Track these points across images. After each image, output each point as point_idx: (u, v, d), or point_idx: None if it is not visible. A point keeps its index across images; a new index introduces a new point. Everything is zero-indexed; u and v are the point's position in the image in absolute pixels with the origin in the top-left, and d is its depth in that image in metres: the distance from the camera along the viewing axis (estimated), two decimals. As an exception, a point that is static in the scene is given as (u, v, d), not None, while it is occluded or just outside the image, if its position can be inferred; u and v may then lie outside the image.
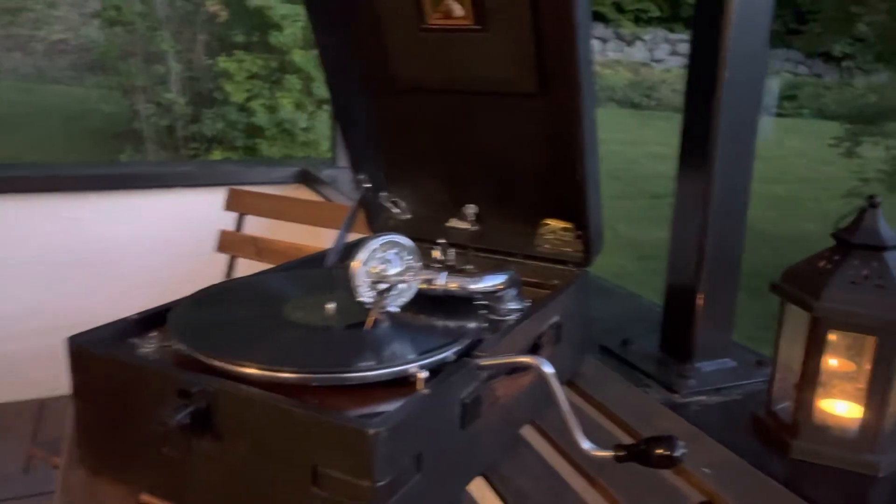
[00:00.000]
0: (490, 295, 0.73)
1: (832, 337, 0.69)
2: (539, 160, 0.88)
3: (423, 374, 0.58)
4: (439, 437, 0.57)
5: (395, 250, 0.65)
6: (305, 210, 1.47)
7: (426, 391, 0.55)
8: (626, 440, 0.76)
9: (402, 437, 0.52)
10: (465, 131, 0.92)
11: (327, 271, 0.83)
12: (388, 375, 0.58)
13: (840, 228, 0.72)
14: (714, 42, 0.82)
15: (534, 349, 0.73)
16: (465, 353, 0.62)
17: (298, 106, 5.62)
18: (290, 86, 5.51)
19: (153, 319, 0.68)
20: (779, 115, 10.88)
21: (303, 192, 2.62)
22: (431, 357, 0.60)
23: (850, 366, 0.71)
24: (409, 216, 1.01)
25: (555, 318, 0.77)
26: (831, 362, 0.71)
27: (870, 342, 0.68)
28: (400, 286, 0.66)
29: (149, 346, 0.65)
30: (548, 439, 0.74)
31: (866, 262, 0.69)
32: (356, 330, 0.64)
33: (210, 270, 2.31)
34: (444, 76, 0.88)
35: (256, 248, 1.49)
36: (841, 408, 0.72)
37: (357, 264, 0.63)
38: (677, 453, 0.57)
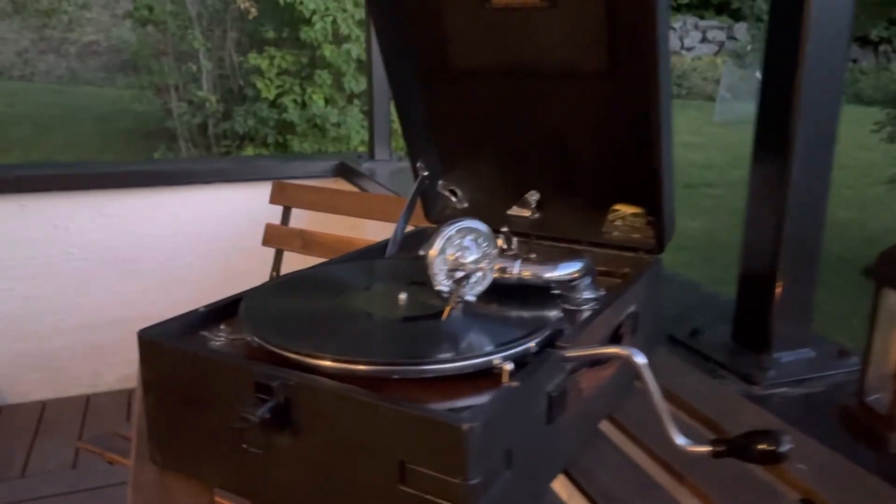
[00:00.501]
0: (565, 284, 0.69)
1: (936, 323, 0.65)
2: (607, 143, 0.84)
3: (509, 366, 0.55)
4: (526, 433, 0.55)
5: (471, 237, 0.63)
6: (353, 202, 1.45)
7: (515, 384, 0.52)
8: (709, 436, 0.72)
9: (494, 432, 0.49)
10: (527, 115, 0.89)
11: (394, 261, 0.81)
12: (471, 367, 0.55)
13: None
14: (796, 17, 0.78)
15: (613, 340, 0.69)
16: (547, 345, 0.59)
17: (329, 101, 5.62)
18: (321, 81, 5.51)
19: (222, 312, 0.66)
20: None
21: (341, 185, 2.60)
22: (515, 348, 0.57)
23: (954, 354, 0.67)
24: (466, 205, 0.98)
25: (632, 308, 0.73)
26: (934, 350, 0.66)
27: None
28: (476, 274, 0.63)
29: (219, 338, 0.63)
30: (627, 434, 0.71)
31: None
32: (433, 321, 0.61)
33: (254, 265, 2.32)
34: (506, 57, 0.84)
35: (303, 241, 1.48)
36: (944, 399, 0.68)
37: (434, 252, 0.60)
38: (783, 449, 0.53)
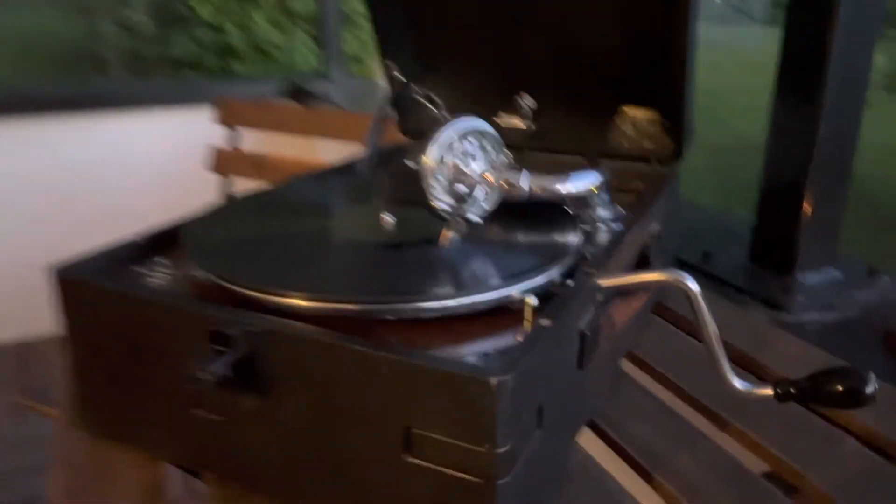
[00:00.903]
0: (580, 200, 0.58)
1: None
2: (616, 32, 0.71)
3: (533, 301, 0.43)
4: (558, 381, 0.44)
5: (475, 141, 0.50)
6: (309, 120, 1.29)
7: (547, 322, 0.41)
8: (747, 373, 0.63)
9: (527, 385, 0.38)
10: (519, 6, 0.75)
11: (371, 179, 0.68)
12: (486, 304, 0.43)
13: None
14: None
15: (641, 264, 0.59)
16: (570, 275, 0.48)
17: (273, 23, 5.29)
18: (263, 1, 5.16)
19: (160, 241, 0.53)
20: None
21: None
22: (537, 278, 0.45)
23: None
24: (447, 113, 0.85)
25: (655, 227, 0.62)
26: None
27: None
28: (482, 188, 0.51)
29: (158, 273, 0.49)
30: (654, 374, 0.61)
31: None
32: (430, 247, 0.49)
33: (200, 195, 2.13)
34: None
35: (255, 165, 1.32)
36: None
37: (430, 160, 0.48)
38: (869, 389, 0.44)
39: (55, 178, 2.34)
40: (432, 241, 0.49)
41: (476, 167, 0.50)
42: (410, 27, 0.81)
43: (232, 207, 0.56)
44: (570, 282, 0.46)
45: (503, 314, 0.44)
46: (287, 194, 0.62)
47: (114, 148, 2.35)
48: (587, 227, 0.60)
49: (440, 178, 0.48)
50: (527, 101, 0.80)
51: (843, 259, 0.81)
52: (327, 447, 0.41)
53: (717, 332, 0.46)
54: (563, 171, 0.57)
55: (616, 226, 0.60)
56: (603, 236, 0.58)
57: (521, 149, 0.78)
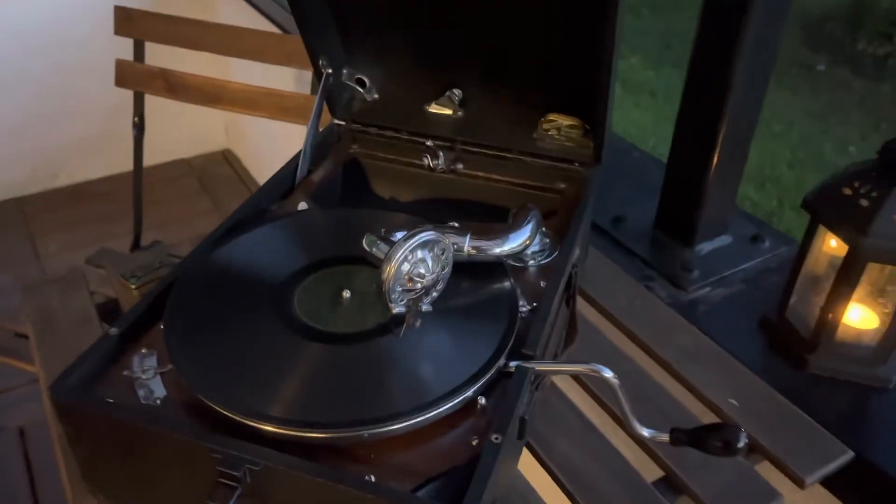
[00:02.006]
0: (516, 254, 0.65)
1: (870, 268, 0.67)
2: (545, 40, 0.74)
3: (483, 401, 0.53)
4: (505, 460, 0.54)
5: (426, 249, 0.55)
6: (221, 37, 1.23)
7: (496, 439, 0.50)
8: (647, 362, 0.75)
9: (487, 494, 0.48)
10: (451, 3, 0.75)
11: (312, 219, 0.72)
12: (449, 411, 0.52)
13: (888, 147, 0.66)
14: None
15: (567, 301, 0.68)
16: (515, 351, 0.56)
17: None
18: None
19: (136, 329, 0.58)
20: None
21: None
22: (488, 374, 0.54)
23: (878, 289, 0.70)
24: (377, 96, 0.86)
25: (576, 254, 0.70)
26: (862, 288, 0.70)
27: (906, 273, 0.67)
28: (431, 285, 0.57)
29: (147, 376, 0.55)
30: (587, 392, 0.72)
31: (916, 192, 0.64)
32: (387, 341, 0.56)
33: (94, 63, 2.01)
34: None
35: (166, 82, 1.27)
36: (862, 326, 0.72)
37: (389, 276, 0.53)
38: (740, 444, 0.56)
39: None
40: (387, 328, 0.56)
41: (426, 271, 0.56)
42: (337, 16, 0.80)
43: (195, 298, 0.60)
44: (511, 365, 0.55)
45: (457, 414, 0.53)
46: (238, 263, 0.64)
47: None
48: (520, 265, 0.67)
49: (397, 288, 0.54)
50: (456, 95, 0.82)
51: (733, 222, 0.91)
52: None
53: (628, 405, 0.56)
54: (503, 229, 0.64)
55: (545, 259, 0.68)
56: (533, 274, 0.67)
57: (452, 141, 0.82)
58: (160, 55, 1.34)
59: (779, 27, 0.80)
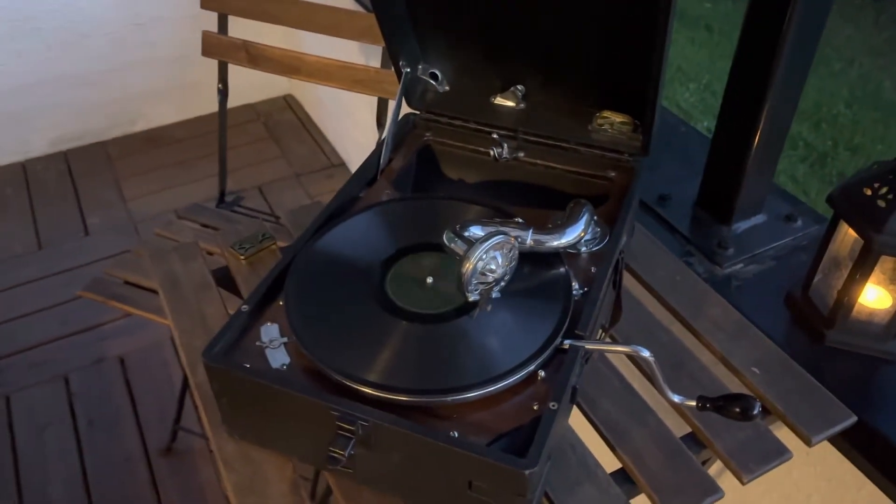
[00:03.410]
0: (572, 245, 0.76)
1: (883, 260, 0.77)
2: (601, 46, 0.83)
3: (542, 374, 0.65)
4: (558, 425, 0.67)
5: (497, 250, 0.67)
6: (299, 12, 1.33)
7: (553, 406, 0.63)
8: (681, 331, 0.87)
9: (545, 456, 0.62)
10: (517, 11, 0.84)
11: (398, 208, 0.84)
12: (515, 382, 0.65)
13: (907, 154, 0.75)
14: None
15: (616, 283, 0.79)
16: (569, 331, 0.69)
17: None
18: None
19: (263, 302, 0.72)
20: None
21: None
22: (547, 351, 0.66)
23: (892, 277, 0.80)
24: (448, 88, 0.97)
25: (624, 241, 0.81)
26: (876, 275, 0.79)
27: (915, 265, 0.76)
28: (500, 277, 0.70)
29: (275, 347, 0.69)
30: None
31: (928, 195, 0.73)
32: (464, 321, 0.69)
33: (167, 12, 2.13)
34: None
35: (248, 54, 1.38)
36: (876, 306, 0.82)
37: (468, 269, 0.66)
38: (754, 412, 0.68)
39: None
40: (464, 310, 0.69)
41: (497, 267, 0.68)
42: (415, 21, 0.90)
43: (307, 282, 0.73)
44: (566, 344, 0.68)
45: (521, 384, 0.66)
46: (340, 250, 0.77)
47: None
48: (574, 251, 0.79)
49: (473, 280, 0.67)
50: (519, 90, 0.92)
51: (770, 201, 1.00)
52: (418, 477, 0.65)
53: (664, 382, 0.69)
54: (562, 225, 0.75)
55: (596, 246, 0.79)
56: (585, 258, 0.78)
57: (515, 131, 0.92)
58: (234, 25, 1.45)
59: (820, 23, 0.87)
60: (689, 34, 4.24)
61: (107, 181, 2.47)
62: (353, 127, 2.28)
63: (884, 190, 0.75)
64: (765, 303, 0.90)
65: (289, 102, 2.86)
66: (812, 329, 0.85)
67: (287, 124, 2.74)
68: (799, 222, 0.98)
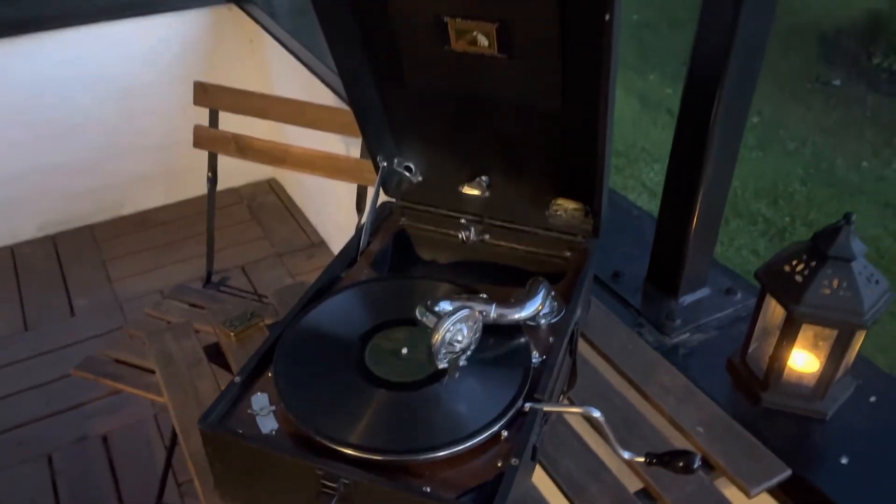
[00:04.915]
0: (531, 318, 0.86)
1: (805, 327, 0.87)
2: (555, 149, 0.94)
3: (505, 434, 0.74)
4: (521, 479, 0.75)
5: (463, 323, 0.77)
6: (284, 108, 1.46)
7: (515, 462, 0.71)
8: (634, 395, 0.96)
9: (508, 502, 0.69)
10: (482, 122, 0.96)
11: (376, 287, 0.93)
12: (481, 441, 0.73)
13: (818, 235, 0.86)
14: None
15: (571, 351, 0.88)
16: (529, 395, 0.77)
17: None
18: None
19: (254, 374, 0.80)
20: None
21: (236, 15, 2.45)
22: (509, 414, 0.75)
23: (813, 342, 0.90)
24: (420, 178, 1.08)
25: (578, 314, 0.91)
26: (800, 342, 0.89)
27: (832, 332, 0.86)
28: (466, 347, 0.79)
29: (264, 413, 0.77)
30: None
31: (838, 271, 0.84)
32: (435, 388, 0.77)
33: (156, 104, 2.25)
34: (463, 87, 0.90)
35: (237, 145, 1.50)
36: (805, 369, 0.92)
37: (437, 340, 0.75)
38: (694, 466, 0.76)
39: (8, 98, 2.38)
40: (433, 379, 0.78)
41: (463, 338, 0.77)
42: (391, 122, 1.01)
43: (292, 349, 0.82)
44: (526, 406, 0.76)
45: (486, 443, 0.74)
46: (329, 322, 0.86)
47: (65, 64, 2.38)
48: (534, 323, 0.88)
49: (442, 350, 0.76)
50: (484, 181, 1.04)
51: (712, 276, 1.11)
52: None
53: (612, 436, 0.77)
54: (520, 299, 0.85)
55: (553, 318, 0.89)
56: (545, 332, 0.87)
57: (481, 217, 1.03)
58: (222, 116, 1.57)
59: (743, 113, 0.99)
60: (653, 117, 4.49)
61: (93, 263, 2.54)
62: (333, 208, 2.40)
63: (800, 267, 0.86)
64: (709, 368, 0.99)
65: (272, 186, 2.98)
66: (750, 392, 0.94)
67: (270, 206, 2.85)
68: (738, 295, 1.09)
